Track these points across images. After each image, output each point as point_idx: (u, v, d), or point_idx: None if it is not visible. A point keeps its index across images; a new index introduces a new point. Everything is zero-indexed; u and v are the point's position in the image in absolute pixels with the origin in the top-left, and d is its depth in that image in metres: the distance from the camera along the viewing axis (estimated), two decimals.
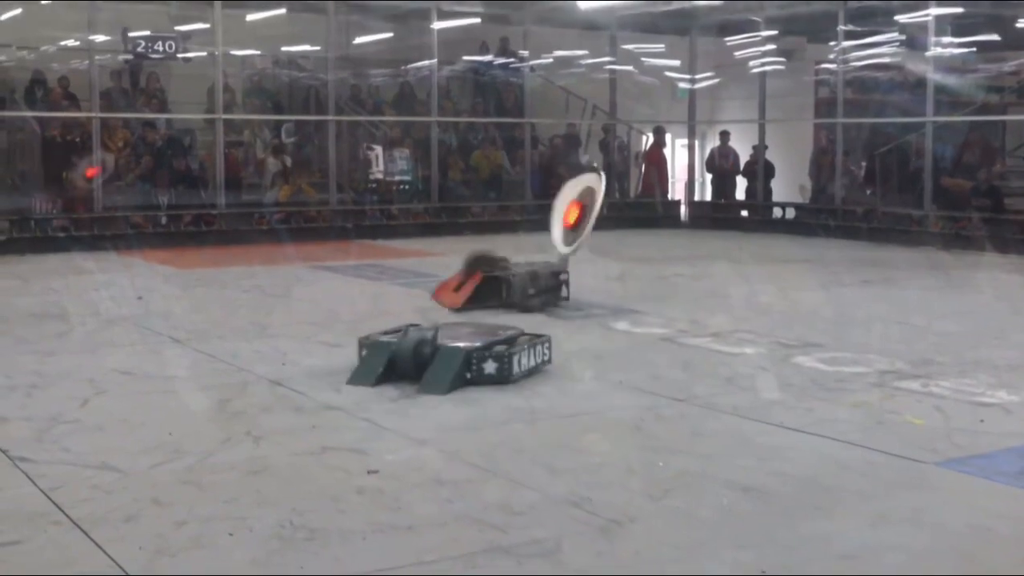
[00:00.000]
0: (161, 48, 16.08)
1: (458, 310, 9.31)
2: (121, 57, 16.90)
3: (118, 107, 16.85)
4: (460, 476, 4.90)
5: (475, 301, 9.54)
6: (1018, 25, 16.07)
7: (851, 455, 5.27)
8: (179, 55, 16.44)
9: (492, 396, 6.35)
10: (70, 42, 16.93)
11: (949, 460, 5.17)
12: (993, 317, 9.47)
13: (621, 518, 4.34)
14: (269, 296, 10.77)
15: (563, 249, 10.07)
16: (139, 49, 16.18)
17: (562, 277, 9.91)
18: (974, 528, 4.28)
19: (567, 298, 9.87)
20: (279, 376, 6.90)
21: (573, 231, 10.15)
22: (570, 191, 10.53)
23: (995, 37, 17.17)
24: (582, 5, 17.90)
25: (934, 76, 16.08)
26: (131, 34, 16.25)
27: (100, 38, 16.01)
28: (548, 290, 9.73)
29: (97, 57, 15.81)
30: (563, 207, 10.37)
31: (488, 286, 9.67)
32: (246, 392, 6.53)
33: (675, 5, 18.10)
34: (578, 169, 11.51)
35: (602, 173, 10.69)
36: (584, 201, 10.24)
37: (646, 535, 4.20)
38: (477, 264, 9.88)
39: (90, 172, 15.54)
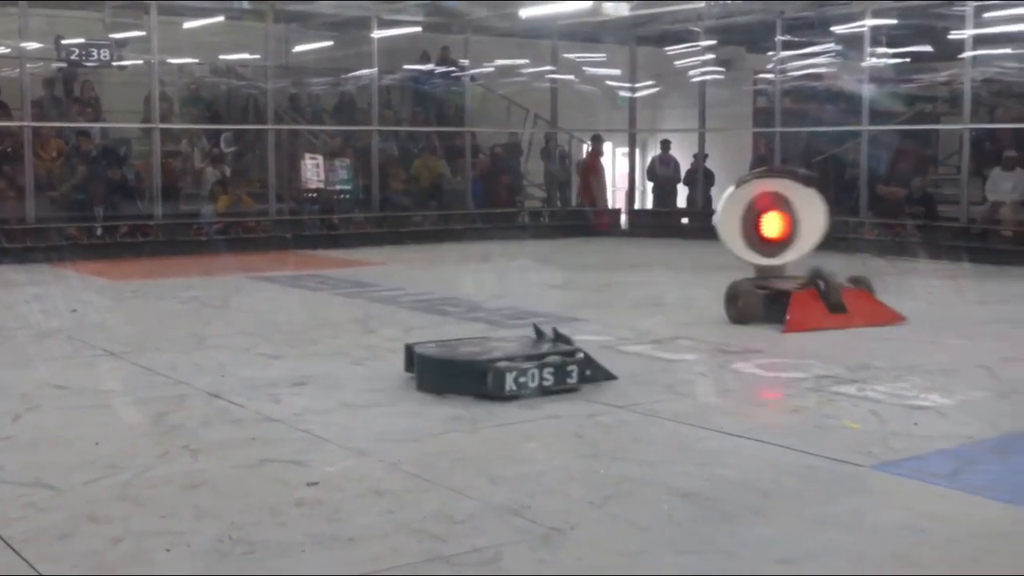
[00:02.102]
0: (95, 56, 15.86)
1: None
2: (54, 65, 16.69)
3: (51, 116, 16.65)
4: (400, 486, 4.87)
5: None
6: (949, 37, 16.33)
7: (790, 459, 5.32)
8: (114, 63, 16.23)
9: (432, 405, 6.33)
10: (1, 49, 16.67)
11: (885, 463, 5.23)
12: (926, 322, 9.60)
13: (562, 526, 4.34)
14: (207, 307, 10.67)
15: (768, 262, 9.66)
16: (73, 57, 15.95)
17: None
18: (910, 529, 4.33)
19: None
20: (217, 388, 6.83)
21: (777, 244, 9.64)
22: (738, 199, 9.82)
23: (927, 48, 17.46)
24: (523, 14, 17.94)
25: (869, 86, 16.32)
26: (64, 41, 16.02)
27: (32, 45, 15.78)
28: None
29: (29, 65, 15.55)
30: (737, 218, 9.72)
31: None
32: (184, 405, 6.45)
33: (615, 14, 18.19)
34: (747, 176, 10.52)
35: (808, 181, 9.87)
36: (784, 210, 9.61)
37: (587, 542, 4.20)
38: (859, 282, 9.65)
39: None
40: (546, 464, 5.24)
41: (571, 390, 6.62)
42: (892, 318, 9.26)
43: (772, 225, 9.64)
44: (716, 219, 10.04)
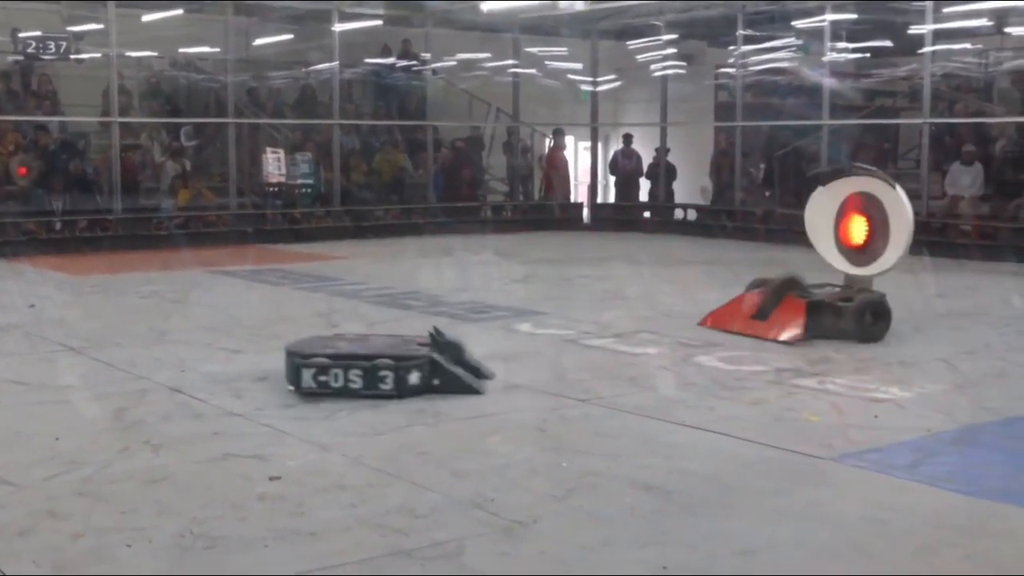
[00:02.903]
0: (53, 49, 15.68)
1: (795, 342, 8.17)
2: (11, 58, 16.46)
3: (7, 110, 16.43)
4: (363, 480, 4.87)
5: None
6: (909, 31, 16.48)
7: (751, 452, 5.36)
8: (72, 56, 16.05)
9: (394, 400, 6.31)
10: None
11: (845, 455, 5.28)
12: None
13: (525, 519, 4.35)
14: (168, 302, 10.59)
15: (858, 271, 8.73)
16: (30, 50, 15.75)
17: (886, 304, 8.56)
18: (869, 520, 4.37)
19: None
20: (179, 383, 6.79)
21: (864, 251, 8.67)
22: (828, 200, 8.94)
23: (887, 43, 17.61)
24: (484, 8, 17.91)
25: (829, 80, 16.44)
26: (21, 34, 15.83)
27: None
28: (884, 317, 8.49)
29: None
30: (828, 221, 8.87)
31: (817, 313, 8.41)
32: (144, 400, 6.40)
33: (577, 8, 18.21)
34: (832, 174, 9.32)
35: (892, 181, 8.69)
36: (869, 213, 8.61)
37: (550, 535, 4.22)
38: (788, 288, 8.69)
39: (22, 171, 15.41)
40: (509, 458, 5.25)
41: (387, 396, 6.32)
42: (792, 337, 8.25)
43: (856, 230, 8.70)
44: (806, 223, 9.19)
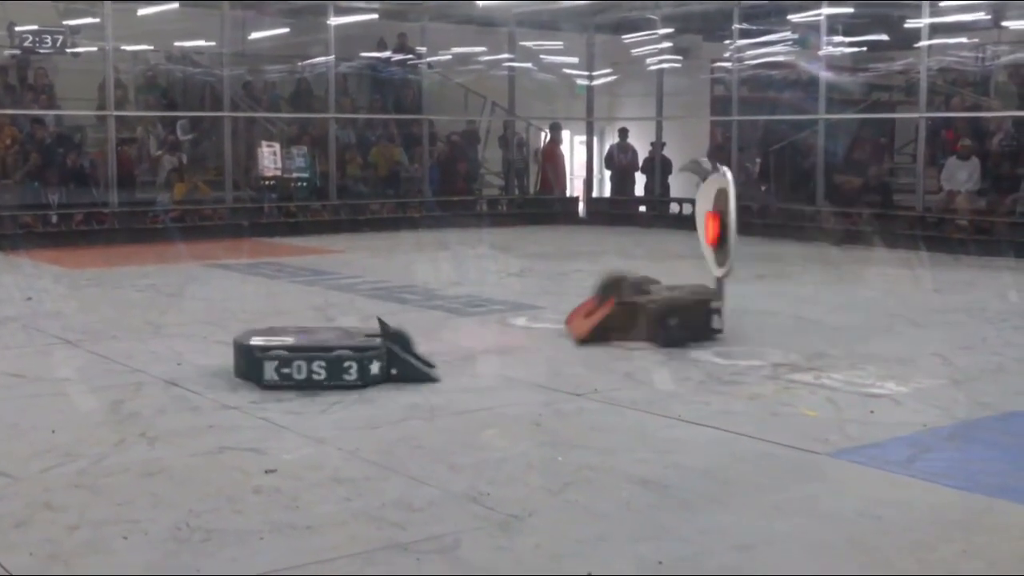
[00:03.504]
0: (49, 43, 15.67)
1: (584, 342, 7.97)
2: (7, 52, 16.47)
3: (4, 104, 16.43)
4: (359, 474, 4.87)
5: (613, 332, 8.02)
6: (906, 25, 16.47)
7: (747, 447, 5.36)
8: (68, 50, 16.04)
9: (390, 393, 6.32)
10: None
11: (841, 450, 5.28)
12: (882, 310, 9.70)
13: (520, 513, 4.35)
14: (163, 295, 10.58)
15: (716, 272, 8.42)
16: (26, 44, 15.77)
17: (713, 305, 8.21)
18: (865, 516, 4.37)
19: (721, 330, 8.18)
20: (174, 376, 6.79)
21: (718, 248, 8.41)
22: (703, 201, 8.72)
23: (884, 37, 17.61)
24: (480, 3, 17.89)
25: (826, 74, 16.43)
26: (17, 28, 15.82)
27: None
28: (695, 321, 8.12)
29: None
30: (702, 222, 8.62)
31: (625, 315, 8.12)
32: (140, 393, 6.40)
33: (573, 3, 18.19)
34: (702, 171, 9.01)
35: (725, 169, 8.54)
36: (719, 209, 8.39)
37: (546, 529, 4.22)
38: (612, 288, 8.43)
39: None
40: (505, 452, 5.25)
41: (351, 387, 6.34)
42: (576, 335, 8.12)
43: (711, 228, 8.46)
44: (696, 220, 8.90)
